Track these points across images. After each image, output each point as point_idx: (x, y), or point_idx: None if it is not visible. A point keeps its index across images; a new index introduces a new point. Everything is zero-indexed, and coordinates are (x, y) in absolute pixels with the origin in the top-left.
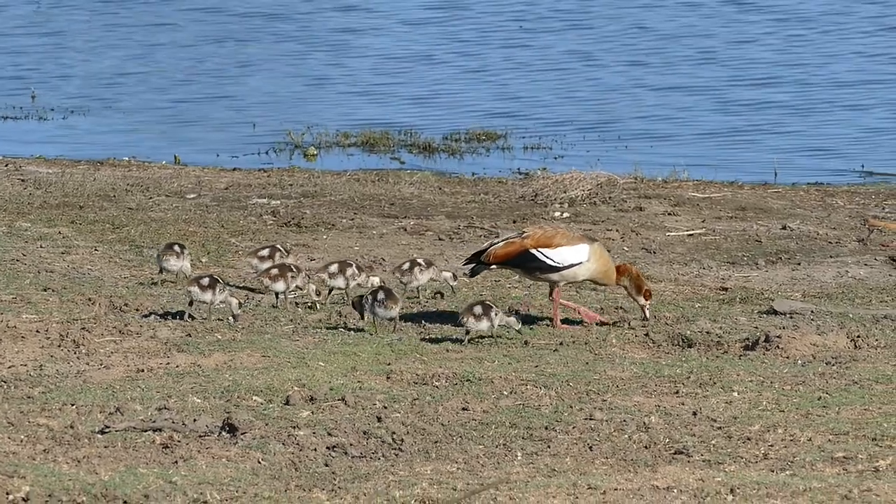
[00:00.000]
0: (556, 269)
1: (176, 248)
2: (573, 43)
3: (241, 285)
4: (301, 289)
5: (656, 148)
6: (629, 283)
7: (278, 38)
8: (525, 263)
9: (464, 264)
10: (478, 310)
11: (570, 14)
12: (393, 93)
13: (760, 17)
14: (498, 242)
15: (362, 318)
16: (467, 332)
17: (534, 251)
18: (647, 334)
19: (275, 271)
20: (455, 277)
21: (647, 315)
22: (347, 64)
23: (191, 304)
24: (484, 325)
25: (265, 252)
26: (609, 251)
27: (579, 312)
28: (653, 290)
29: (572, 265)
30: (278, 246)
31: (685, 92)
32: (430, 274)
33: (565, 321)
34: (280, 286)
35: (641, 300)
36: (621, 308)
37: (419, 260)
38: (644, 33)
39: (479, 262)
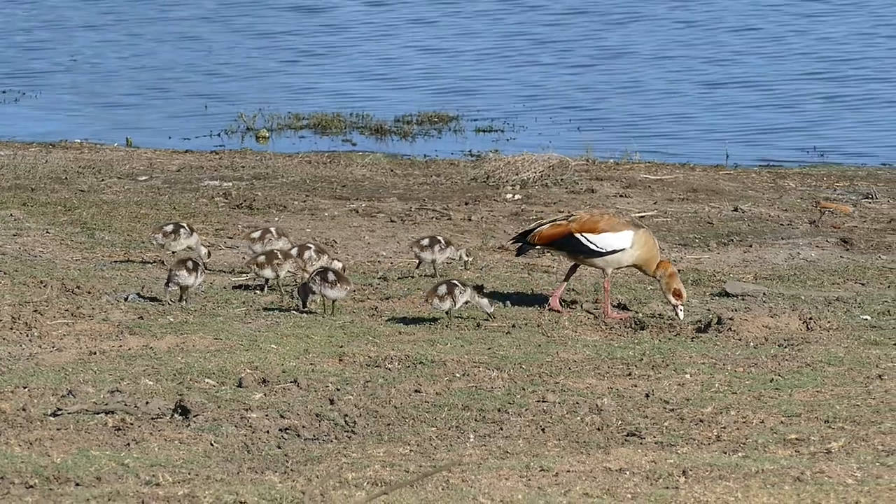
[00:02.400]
0: (600, 255)
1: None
2: (524, 26)
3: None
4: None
5: (609, 130)
6: (662, 278)
7: (231, 22)
8: (568, 247)
9: (511, 242)
10: (442, 289)
11: None
12: (345, 75)
13: None
14: (545, 223)
15: (304, 305)
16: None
17: (578, 235)
18: (596, 317)
19: (262, 258)
20: (469, 253)
21: (680, 315)
22: (298, 46)
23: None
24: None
25: (256, 234)
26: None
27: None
28: (683, 293)
29: (615, 251)
30: (271, 228)
31: (638, 73)
32: (449, 252)
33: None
34: (269, 273)
35: (672, 299)
36: (573, 290)
37: (438, 237)
38: (596, 16)
39: (525, 241)
